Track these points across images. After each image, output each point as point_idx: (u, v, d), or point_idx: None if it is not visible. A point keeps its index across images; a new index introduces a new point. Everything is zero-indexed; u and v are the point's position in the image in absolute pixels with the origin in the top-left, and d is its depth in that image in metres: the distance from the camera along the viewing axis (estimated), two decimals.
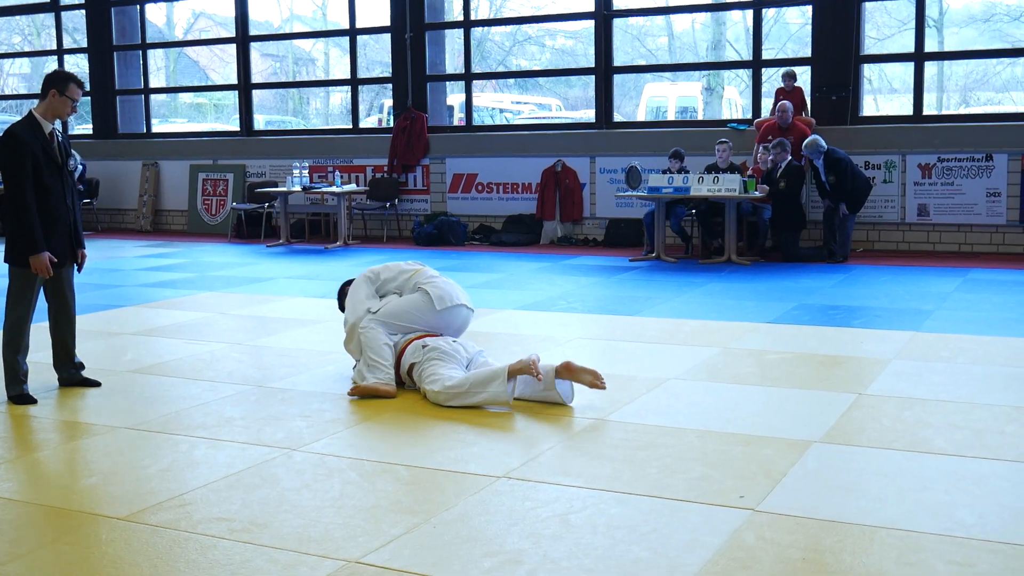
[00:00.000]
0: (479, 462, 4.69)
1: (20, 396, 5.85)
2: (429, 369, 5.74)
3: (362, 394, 5.83)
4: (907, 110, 13.07)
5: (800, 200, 11.80)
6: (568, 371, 5.56)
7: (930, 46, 18.05)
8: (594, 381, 5.53)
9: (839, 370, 6.43)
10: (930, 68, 20.27)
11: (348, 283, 6.59)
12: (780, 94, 12.76)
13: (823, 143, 11.43)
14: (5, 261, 5.93)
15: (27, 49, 26.83)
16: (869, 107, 12.38)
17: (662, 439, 4.98)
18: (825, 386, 5.98)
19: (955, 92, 23.51)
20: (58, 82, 5.86)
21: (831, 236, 11.68)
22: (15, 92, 26.38)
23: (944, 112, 21.11)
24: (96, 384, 6.18)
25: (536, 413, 5.49)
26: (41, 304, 6.03)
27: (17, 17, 23.93)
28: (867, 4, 12.99)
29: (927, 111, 13.41)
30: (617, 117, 15.03)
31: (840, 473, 4.49)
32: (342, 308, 6.55)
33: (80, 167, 16.32)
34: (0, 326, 6.01)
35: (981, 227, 11.99)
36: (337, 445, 5.00)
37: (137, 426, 5.38)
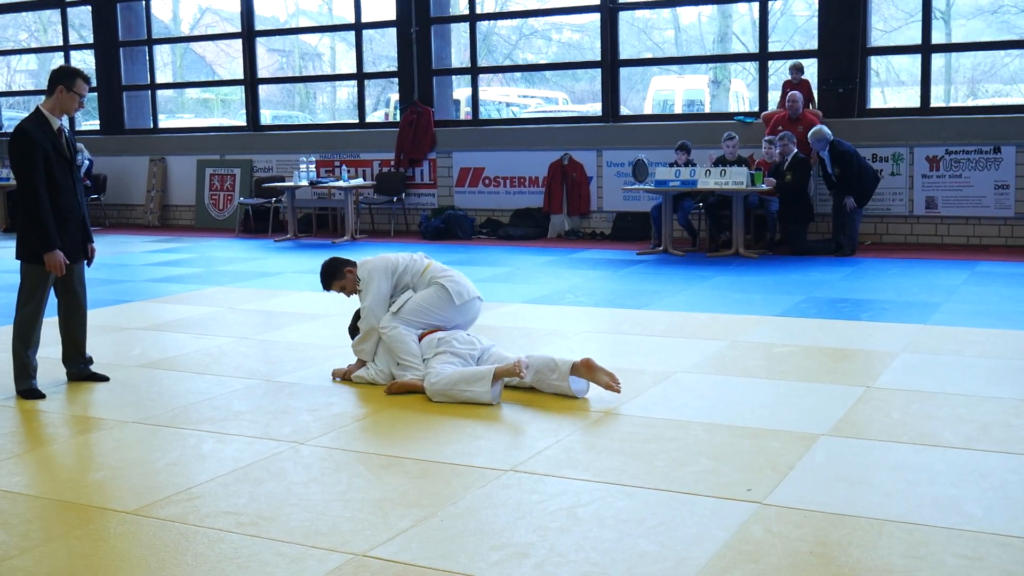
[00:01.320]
0: (486, 455, 4.70)
1: (29, 391, 5.87)
2: (432, 363, 5.76)
3: (399, 391, 5.80)
4: (915, 102, 13.04)
5: (808, 193, 11.77)
6: (587, 368, 5.57)
7: (937, 38, 17.99)
8: (610, 383, 5.53)
9: (847, 363, 6.41)
10: (937, 60, 20.21)
11: (339, 261, 6.29)
12: (787, 87, 12.74)
13: (828, 133, 11.40)
14: (17, 258, 5.92)
15: (34, 45, 26.85)
16: (876, 99, 12.34)
17: (670, 432, 4.98)
18: (833, 379, 5.97)
19: (963, 84, 23.42)
20: (65, 78, 5.84)
21: (839, 229, 11.64)
22: (22, 88, 26.40)
23: (952, 104, 21.03)
24: (104, 379, 6.20)
25: (543, 407, 5.49)
26: (51, 299, 6.04)
27: (24, 14, 23.95)
28: None
29: (935, 103, 13.38)
30: (624, 110, 15.01)
31: (848, 466, 4.48)
32: (327, 285, 6.29)
33: (87, 162, 16.34)
34: (12, 321, 6.00)
35: (989, 220, 11.95)
36: (344, 439, 5.01)
37: (145, 420, 5.39)
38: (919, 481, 4.25)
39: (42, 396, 5.86)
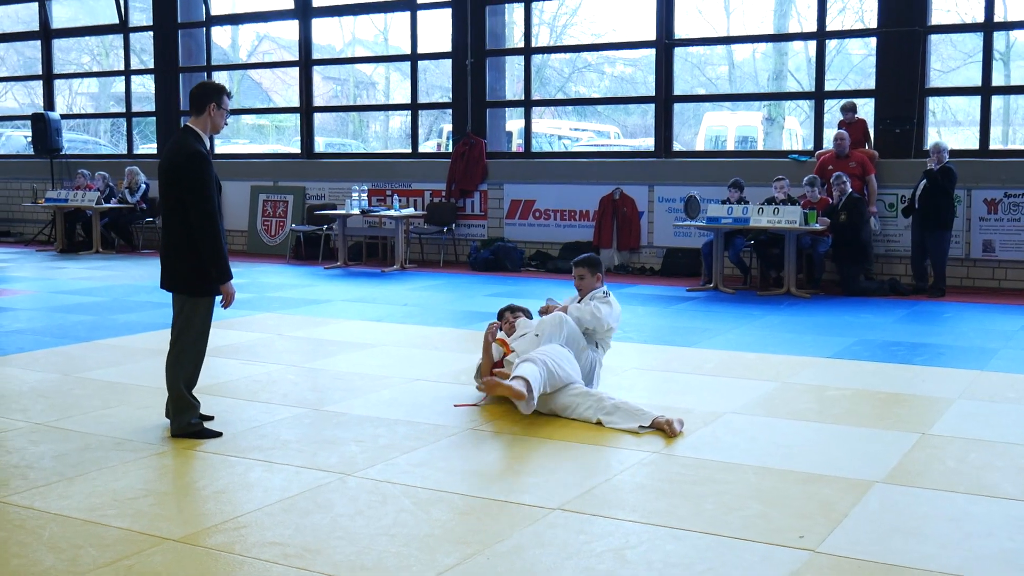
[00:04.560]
0: (534, 493, 4.65)
1: (204, 431, 5.59)
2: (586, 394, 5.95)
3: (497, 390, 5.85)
4: (972, 144, 12.88)
5: (861, 233, 11.63)
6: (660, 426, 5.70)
7: (996, 79, 17.79)
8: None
9: (901, 408, 6.30)
10: (996, 101, 19.97)
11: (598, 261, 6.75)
12: (842, 126, 12.65)
13: (945, 147, 11.42)
14: (193, 295, 5.53)
15: (95, 69, 27.37)
16: (933, 140, 12.17)
17: (719, 474, 4.91)
18: (887, 425, 5.86)
19: (1022, 126, 23.14)
20: (215, 95, 5.55)
21: (921, 273, 11.49)
22: (83, 111, 26.90)
23: (1011, 147, 20.77)
24: (212, 419, 5.86)
25: (592, 444, 5.44)
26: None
27: (87, 38, 24.43)
28: (932, 36, 12.83)
29: (993, 145, 13.20)
30: (676, 146, 14.98)
31: (902, 515, 4.39)
32: (587, 269, 6.61)
33: (144, 186, 16.58)
34: (178, 361, 5.60)
35: None
36: (391, 471, 4.99)
37: (193, 447, 5.40)
38: (976, 533, 4.15)
39: (219, 434, 5.58)
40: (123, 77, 19.20)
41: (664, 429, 5.61)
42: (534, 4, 15.37)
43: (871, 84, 13.16)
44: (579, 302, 6.54)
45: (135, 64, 19.76)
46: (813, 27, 13.52)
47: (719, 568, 3.81)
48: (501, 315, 6.80)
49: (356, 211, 14.15)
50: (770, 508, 4.44)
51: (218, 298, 5.63)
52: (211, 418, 5.83)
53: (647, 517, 4.34)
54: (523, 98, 15.36)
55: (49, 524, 4.28)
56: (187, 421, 5.58)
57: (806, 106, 21.04)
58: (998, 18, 13.02)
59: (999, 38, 19.59)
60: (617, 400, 5.88)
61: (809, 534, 4.12)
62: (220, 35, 28.31)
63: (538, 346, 6.09)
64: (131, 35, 18.90)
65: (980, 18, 12.52)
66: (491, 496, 4.61)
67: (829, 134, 13.22)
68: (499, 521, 4.30)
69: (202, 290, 5.55)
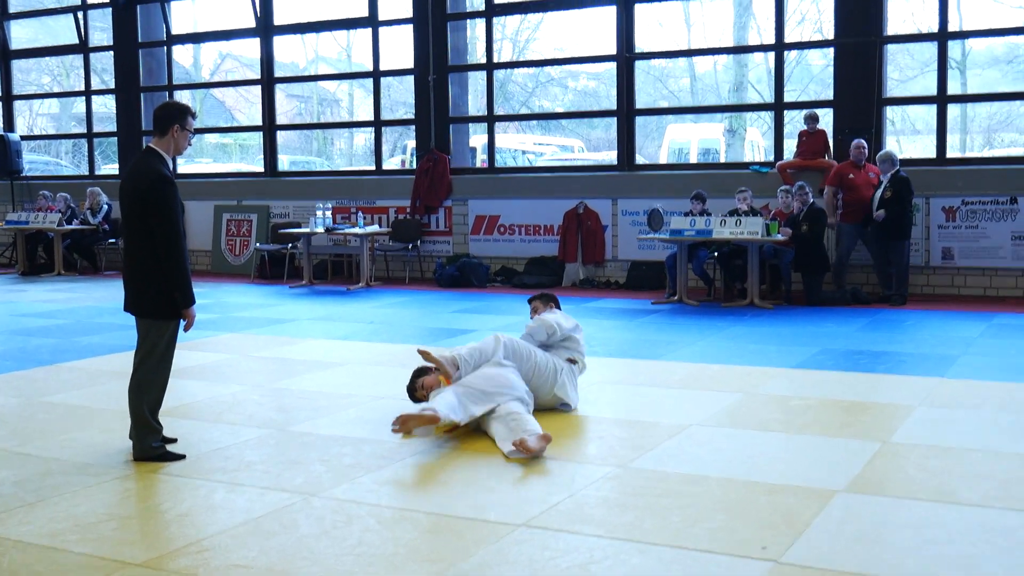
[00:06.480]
0: (499, 510, 4.66)
1: (168, 454, 5.55)
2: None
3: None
4: (930, 152, 13.03)
5: (823, 243, 11.74)
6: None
7: (953, 88, 18.03)
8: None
9: (863, 417, 6.36)
10: (953, 110, 20.25)
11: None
12: (803, 136, 12.77)
13: (896, 156, 11.56)
14: (158, 318, 5.49)
15: (56, 90, 27.18)
16: (892, 149, 12.32)
17: (684, 487, 4.93)
18: (849, 433, 5.91)
19: (979, 134, 23.45)
20: (180, 116, 5.51)
21: (886, 281, 11.61)
22: (44, 132, 26.69)
23: (968, 155, 21.04)
24: (175, 441, 5.81)
25: (556, 460, 5.45)
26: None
27: (47, 58, 24.25)
28: (889, 46, 12.99)
29: (951, 153, 13.35)
30: (639, 159, 15.06)
31: (865, 524, 4.43)
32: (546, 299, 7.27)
33: (106, 207, 16.46)
34: (142, 385, 5.54)
35: (1006, 271, 11.90)
36: (356, 491, 4.97)
37: (156, 469, 5.36)
38: (937, 540, 4.20)
39: (182, 457, 5.54)
40: (84, 97, 19.08)
41: (523, 449, 5.43)
42: (496, 19, 15.44)
43: (830, 95, 13.29)
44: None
45: (96, 84, 19.64)
46: (772, 39, 13.65)
47: None
48: (413, 391, 6.47)
49: (320, 229, 14.12)
50: (735, 519, 4.47)
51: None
52: (174, 441, 5.79)
53: (612, 531, 4.35)
54: (486, 113, 15.40)
55: (9, 551, 4.24)
56: (149, 444, 5.54)
57: (767, 117, 21.23)
58: (952, 27, 13.21)
59: (954, 47, 19.86)
60: (519, 413, 5.76)
61: (772, 545, 4.15)
62: (182, 54, 28.19)
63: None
64: (91, 55, 18.79)
65: (935, 28, 12.69)
66: (456, 514, 4.61)
67: (790, 145, 13.36)
68: (464, 539, 4.30)
69: (167, 313, 5.52)
